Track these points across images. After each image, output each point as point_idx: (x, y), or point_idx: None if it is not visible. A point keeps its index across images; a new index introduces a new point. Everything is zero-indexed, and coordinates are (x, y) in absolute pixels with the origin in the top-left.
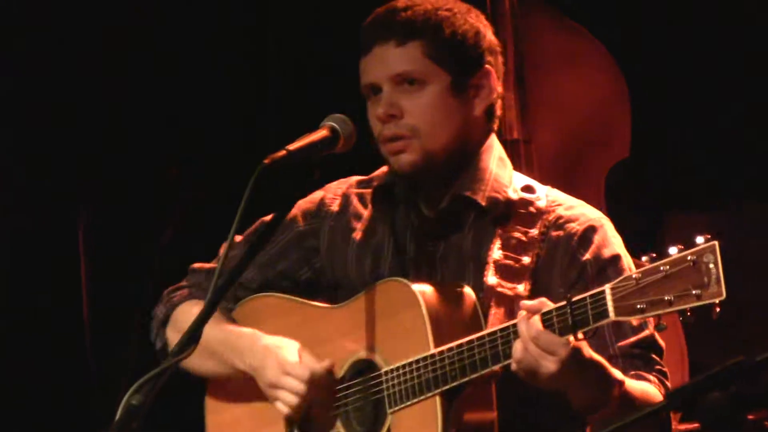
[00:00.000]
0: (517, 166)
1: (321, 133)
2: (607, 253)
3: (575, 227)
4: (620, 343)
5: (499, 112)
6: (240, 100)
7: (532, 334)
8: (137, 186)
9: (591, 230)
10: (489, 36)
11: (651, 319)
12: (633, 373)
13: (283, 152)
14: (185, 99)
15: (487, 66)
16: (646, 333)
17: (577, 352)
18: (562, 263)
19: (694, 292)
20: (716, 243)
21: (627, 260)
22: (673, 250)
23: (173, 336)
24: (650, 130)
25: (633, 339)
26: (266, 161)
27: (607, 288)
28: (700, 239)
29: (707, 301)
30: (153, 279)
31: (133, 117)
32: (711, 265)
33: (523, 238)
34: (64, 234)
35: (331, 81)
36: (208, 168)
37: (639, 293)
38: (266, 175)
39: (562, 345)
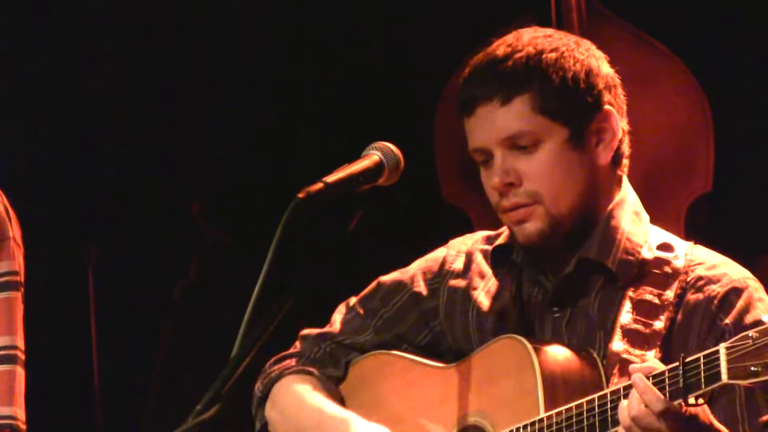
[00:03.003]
0: None
1: (362, 164)
2: (749, 318)
3: (716, 290)
4: (753, 420)
5: (627, 151)
6: (270, 132)
7: (633, 415)
8: (153, 222)
9: (734, 293)
10: (604, 70)
11: None
12: None
13: (319, 185)
14: (211, 132)
15: (606, 107)
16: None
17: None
18: (701, 329)
19: None
20: None
21: None
22: None
23: (274, 416)
24: (736, 161)
25: (767, 417)
26: (301, 195)
27: (722, 348)
28: None
29: None
30: (174, 318)
31: (154, 153)
32: None
33: (656, 301)
34: (73, 273)
35: (369, 112)
36: (234, 204)
37: (755, 354)
38: (301, 210)
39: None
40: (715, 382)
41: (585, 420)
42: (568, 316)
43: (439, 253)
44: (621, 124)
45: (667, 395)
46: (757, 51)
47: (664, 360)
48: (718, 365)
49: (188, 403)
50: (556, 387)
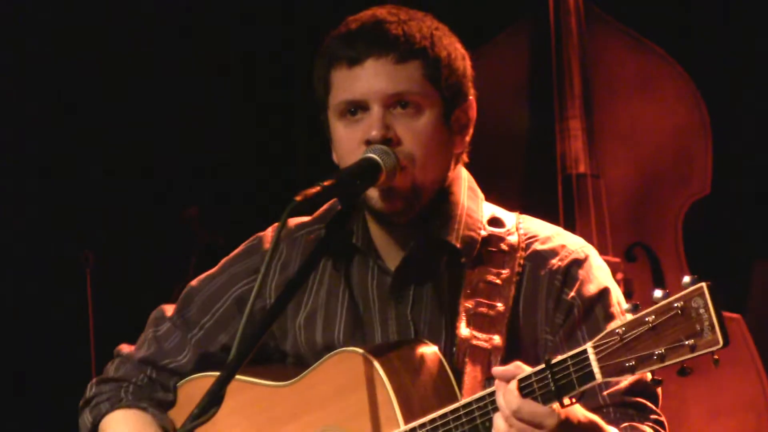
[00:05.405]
0: (584, 204)
1: (359, 167)
2: (593, 288)
3: (557, 263)
4: (610, 391)
5: (467, 147)
6: (266, 134)
7: (512, 408)
8: (150, 226)
9: (575, 264)
10: (470, 63)
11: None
12: (626, 425)
13: (317, 188)
14: (207, 135)
15: (471, 97)
16: (637, 376)
17: (565, 419)
18: (548, 306)
19: (686, 342)
20: (704, 285)
21: (616, 293)
22: (658, 294)
23: None
24: (734, 165)
25: (624, 385)
26: (298, 197)
27: (588, 347)
28: (686, 279)
29: (704, 351)
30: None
31: (151, 157)
32: (702, 311)
33: (496, 281)
34: (71, 277)
35: None
36: (230, 207)
37: (625, 349)
38: (298, 212)
39: (548, 415)
40: (588, 381)
41: (453, 429)
42: (411, 301)
43: (251, 248)
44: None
45: (539, 398)
46: (755, 55)
47: (514, 339)
48: (589, 364)
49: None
50: (410, 395)
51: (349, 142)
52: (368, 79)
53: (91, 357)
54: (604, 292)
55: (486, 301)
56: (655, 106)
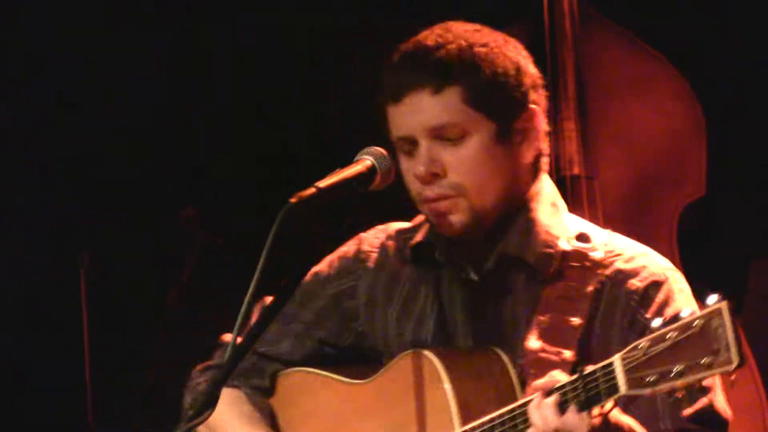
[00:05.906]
0: (578, 206)
1: (355, 169)
2: (669, 312)
3: (636, 284)
4: (674, 415)
5: (547, 150)
6: (262, 136)
7: (548, 424)
8: (146, 226)
9: (654, 287)
10: (531, 69)
11: (713, 385)
12: None
13: (312, 190)
14: (203, 135)
15: (532, 106)
16: (704, 402)
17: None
18: (622, 325)
19: (703, 361)
20: (724, 304)
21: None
22: (686, 312)
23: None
24: (730, 165)
25: (689, 411)
26: (293, 200)
27: (616, 359)
28: (712, 298)
29: (719, 370)
30: (164, 323)
31: (146, 157)
32: (719, 330)
33: (575, 295)
34: (65, 278)
35: (360, 120)
36: (227, 210)
37: (648, 364)
38: (293, 215)
39: (580, 424)
40: (614, 393)
41: None
42: (493, 316)
43: (351, 248)
44: (543, 125)
45: (576, 407)
46: (751, 56)
47: (587, 355)
48: (615, 377)
49: (181, 407)
50: (469, 399)
51: (408, 176)
52: (410, 115)
53: (85, 358)
54: (677, 317)
55: (561, 316)
56: (650, 108)
